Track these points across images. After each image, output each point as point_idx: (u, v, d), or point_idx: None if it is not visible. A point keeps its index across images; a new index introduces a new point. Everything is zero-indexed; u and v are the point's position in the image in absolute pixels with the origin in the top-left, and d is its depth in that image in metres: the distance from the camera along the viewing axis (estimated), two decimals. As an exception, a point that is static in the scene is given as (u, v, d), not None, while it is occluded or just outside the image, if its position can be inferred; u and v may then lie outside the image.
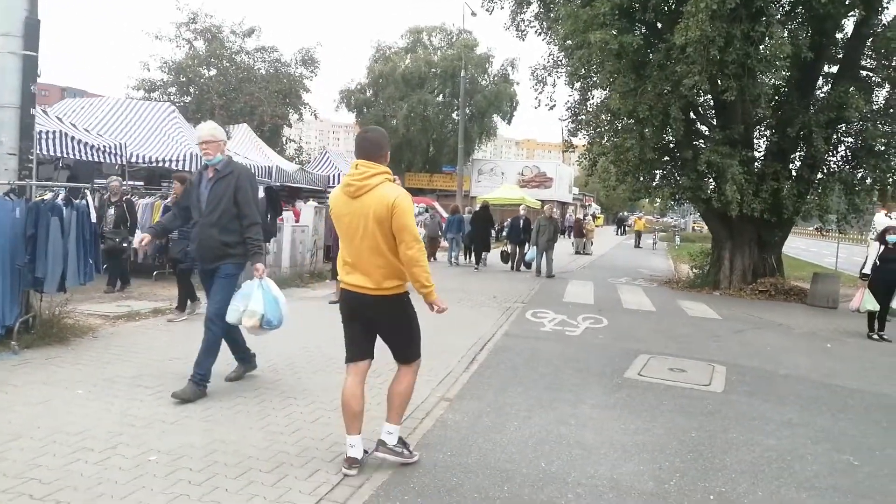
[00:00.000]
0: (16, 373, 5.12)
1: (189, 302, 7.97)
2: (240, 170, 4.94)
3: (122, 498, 3.20)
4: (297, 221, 12.92)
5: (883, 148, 13.28)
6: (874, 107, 13.50)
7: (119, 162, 11.64)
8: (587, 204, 60.55)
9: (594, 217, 46.82)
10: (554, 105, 16.70)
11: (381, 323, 3.69)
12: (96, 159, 11.16)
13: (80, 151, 10.63)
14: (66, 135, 10.34)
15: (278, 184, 14.53)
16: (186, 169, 11.46)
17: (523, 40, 16.29)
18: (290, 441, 4.08)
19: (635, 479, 3.88)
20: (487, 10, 16.63)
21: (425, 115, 37.57)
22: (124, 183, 10.51)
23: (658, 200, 25.16)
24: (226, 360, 5.18)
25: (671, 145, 14.96)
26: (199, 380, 4.73)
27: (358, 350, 3.71)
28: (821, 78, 14.35)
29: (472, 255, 17.70)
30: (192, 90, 25.87)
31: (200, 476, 3.50)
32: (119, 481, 3.37)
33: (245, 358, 5.38)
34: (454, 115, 38.71)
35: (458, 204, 22.12)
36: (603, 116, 14.99)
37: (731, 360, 7.43)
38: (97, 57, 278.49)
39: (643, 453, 4.30)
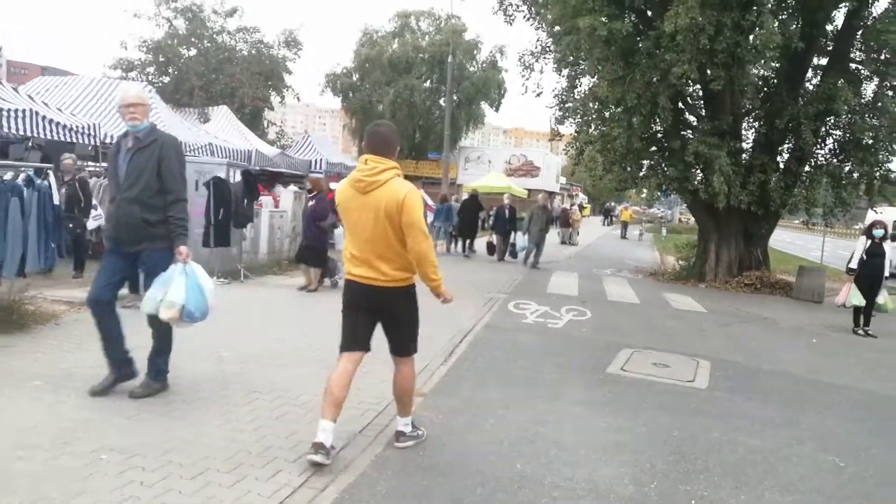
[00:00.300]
0: (-32, 362, 4.86)
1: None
2: (164, 138, 4.39)
3: (63, 502, 2.98)
4: (276, 207, 12.64)
5: (871, 142, 13.25)
6: (863, 100, 13.41)
7: (92, 143, 11.28)
8: (574, 193, 60.38)
9: (581, 207, 46.68)
10: (541, 92, 16.43)
11: (387, 314, 3.76)
12: (69, 139, 10.76)
13: (51, 131, 10.21)
14: (36, 113, 9.94)
15: (257, 168, 14.21)
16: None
17: (511, 24, 15.91)
18: (251, 439, 3.86)
19: (615, 481, 3.71)
20: None
21: (412, 100, 37.01)
22: (80, 164, 10.08)
23: (645, 191, 25.02)
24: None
25: (659, 135, 14.78)
26: (156, 375, 4.46)
27: (356, 341, 3.73)
28: (810, 70, 14.23)
29: (461, 243, 17.52)
30: (171, 70, 25.14)
31: (154, 476, 3.29)
32: (64, 482, 3.15)
33: (120, 363, 4.40)
34: (441, 102, 38.16)
35: (446, 192, 21.87)
36: (591, 104, 14.77)
37: (715, 354, 7.30)
38: (80, 37, 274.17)
39: (624, 454, 4.13)
